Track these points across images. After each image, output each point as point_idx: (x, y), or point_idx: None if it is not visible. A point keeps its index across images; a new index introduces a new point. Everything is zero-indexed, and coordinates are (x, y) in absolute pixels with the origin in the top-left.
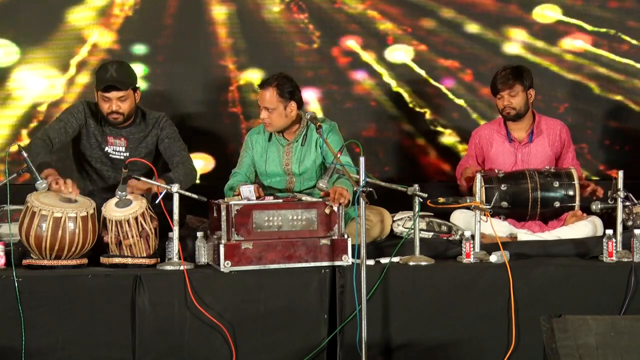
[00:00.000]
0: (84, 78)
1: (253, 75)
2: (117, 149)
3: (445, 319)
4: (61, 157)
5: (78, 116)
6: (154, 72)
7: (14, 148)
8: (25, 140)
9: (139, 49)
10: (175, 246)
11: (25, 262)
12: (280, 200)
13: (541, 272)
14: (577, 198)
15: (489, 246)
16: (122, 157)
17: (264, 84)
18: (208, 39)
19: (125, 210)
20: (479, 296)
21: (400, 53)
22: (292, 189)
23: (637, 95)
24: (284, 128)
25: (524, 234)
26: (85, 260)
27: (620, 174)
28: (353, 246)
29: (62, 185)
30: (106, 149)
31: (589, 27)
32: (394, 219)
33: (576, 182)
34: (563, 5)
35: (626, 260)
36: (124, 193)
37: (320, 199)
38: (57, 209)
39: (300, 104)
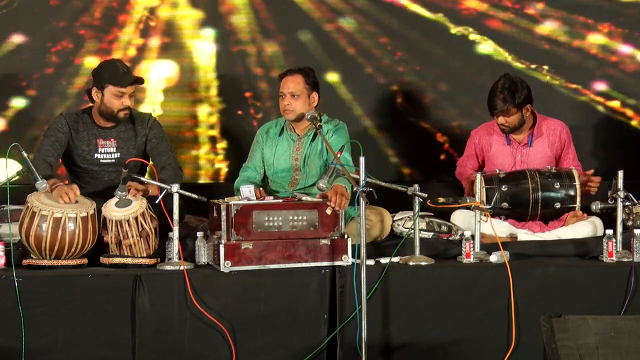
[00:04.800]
0: None
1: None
2: (107, 150)
3: (445, 319)
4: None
5: (63, 129)
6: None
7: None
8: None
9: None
10: (175, 246)
11: (25, 262)
12: (280, 200)
13: (541, 272)
14: (578, 199)
15: (489, 246)
16: (112, 160)
17: (290, 71)
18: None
19: (125, 210)
20: (479, 296)
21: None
22: (296, 184)
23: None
24: (300, 119)
25: (525, 234)
26: (85, 260)
27: (620, 174)
28: (353, 246)
29: (71, 195)
30: (96, 155)
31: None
32: (394, 219)
33: (577, 182)
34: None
35: (626, 260)
36: (123, 193)
37: (321, 200)
38: (57, 209)
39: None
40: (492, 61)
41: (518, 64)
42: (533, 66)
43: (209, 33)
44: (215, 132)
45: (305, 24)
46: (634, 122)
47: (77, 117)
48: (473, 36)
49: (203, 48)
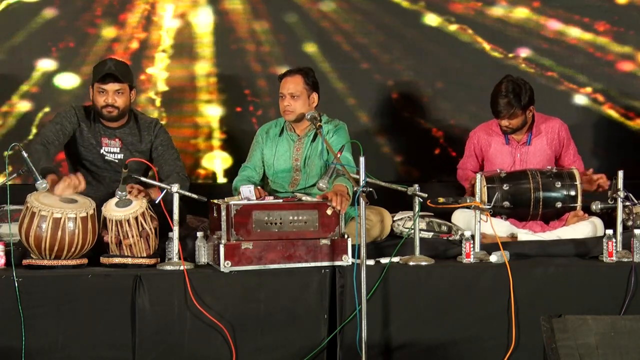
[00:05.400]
0: None
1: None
2: (112, 150)
3: (445, 319)
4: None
5: (72, 120)
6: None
7: (13, 149)
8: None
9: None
10: (175, 246)
11: (25, 262)
12: (280, 200)
13: (541, 272)
14: (579, 198)
15: (489, 246)
16: (116, 160)
17: (290, 72)
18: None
19: (125, 210)
20: (479, 296)
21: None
22: (296, 185)
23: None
24: (300, 119)
25: (525, 234)
26: (85, 260)
27: (620, 174)
28: (353, 246)
29: (74, 179)
30: (101, 151)
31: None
32: (394, 219)
33: (578, 182)
34: None
35: (626, 260)
36: (124, 193)
37: (321, 200)
38: (57, 210)
39: (319, 100)
40: (487, 57)
41: (525, 66)
42: (517, 54)
43: (208, 29)
44: (214, 130)
45: (300, 17)
46: (633, 122)
47: (87, 111)
48: (453, 27)
49: (202, 46)
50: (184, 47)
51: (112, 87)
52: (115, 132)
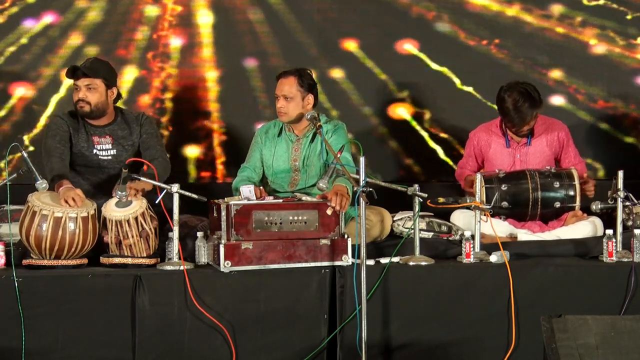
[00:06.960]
0: None
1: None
2: (104, 147)
3: (445, 319)
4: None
5: (63, 128)
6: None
7: (14, 148)
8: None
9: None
10: (175, 246)
11: (25, 262)
12: (280, 200)
13: (541, 272)
14: (578, 198)
15: (489, 246)
16: (109, 157)
17: (285, 73)
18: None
19: (125, 210)
20: (479, 296)
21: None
22: (296, 185)
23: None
24: (296, 120)
25: (524, 234)
26: (85, 260)
27: (620, 174)
28: (353, 246)
29: (77, 200)
30: (94, 151)
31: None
32: (394, 219)
33: (577, 182)
34: None
35: (626, 260)
36: (124, 193)
37: (321, 200)
38: (58, 209)
39: (316, 100)
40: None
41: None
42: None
43: (207, 30)
44: (214, 129)
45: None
46: (632, 122)
47: (73, 116)
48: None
49: (202, 45)
50: (185, 48)
51: (82, 82)
52: (105, 129)
